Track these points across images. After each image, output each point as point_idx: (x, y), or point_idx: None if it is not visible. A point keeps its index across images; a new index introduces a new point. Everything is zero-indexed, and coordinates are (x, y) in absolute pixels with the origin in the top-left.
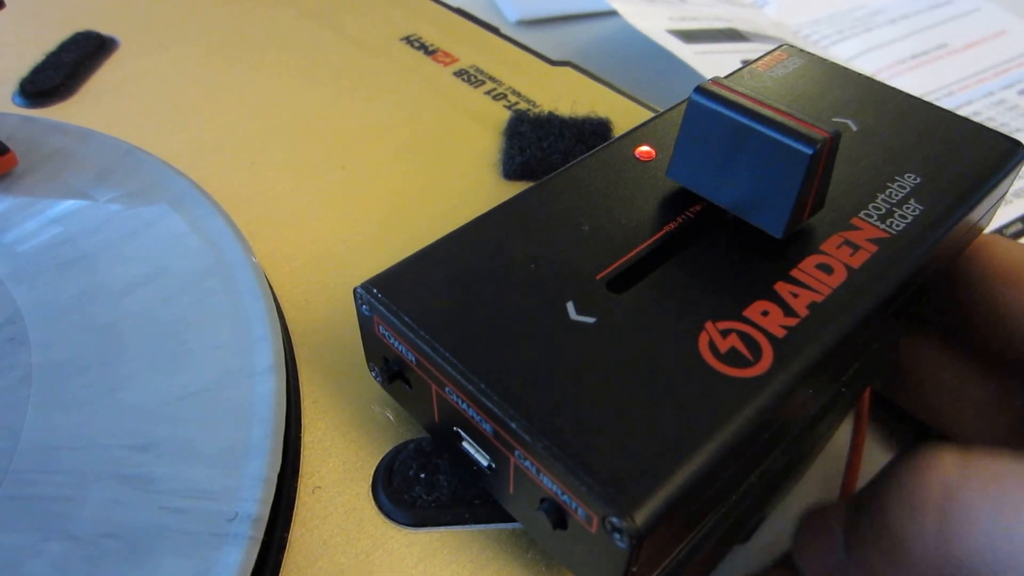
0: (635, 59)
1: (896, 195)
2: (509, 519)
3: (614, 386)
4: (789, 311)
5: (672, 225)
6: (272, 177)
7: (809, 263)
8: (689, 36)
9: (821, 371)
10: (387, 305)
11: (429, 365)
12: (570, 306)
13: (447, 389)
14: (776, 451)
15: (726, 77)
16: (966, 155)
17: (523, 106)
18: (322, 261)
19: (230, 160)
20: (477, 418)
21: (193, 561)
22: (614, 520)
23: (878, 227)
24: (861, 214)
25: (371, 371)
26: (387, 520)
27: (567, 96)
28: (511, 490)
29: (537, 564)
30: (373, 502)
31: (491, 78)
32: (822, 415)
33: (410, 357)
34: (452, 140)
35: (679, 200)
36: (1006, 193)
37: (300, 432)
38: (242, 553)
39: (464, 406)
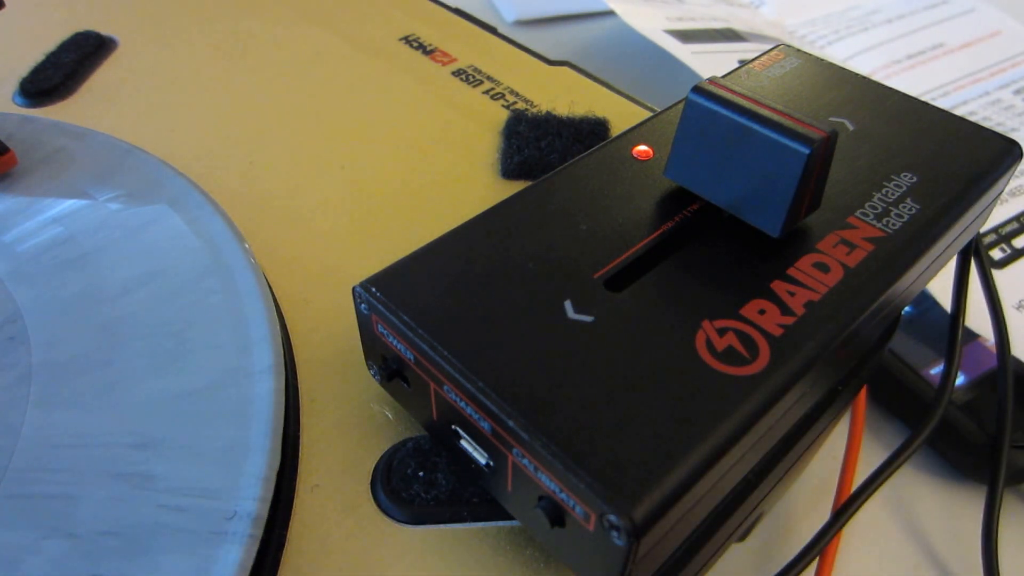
0: (633, 59)
1: (892, 194)
2: (507, 517)
3: (612, 384)
4: (786, 310)
5: (669, 224)
6: (271, 176)
7: (806, 262)
8: (686, 36)
9: (818, 369)
10: (385, 304)
11: (427, 363)
12: (568, 305)
13: (445, 387)
14: (773, 449)
15: (723, 77)
16: (962, 154)
17: (521, 106)
18: (321, 260)
19: (229, 160)
20: (475, 416)
21: (192, 559)
22: (612, 518)
23: (874, 226)
24: (857, 213)
25: (370, 369)
26: (386, 518)
27: (565, 96)
28: (509, 488)
29: (535, 562)
30: (372, 500)
31: (489, 78)
32: (818, 413)
33: (408, 355)
34: (450, 140)
35: (676, 199)
36: (1002, 192)
37: (299, 430)
38: (241, 551)
39: (462, 404)
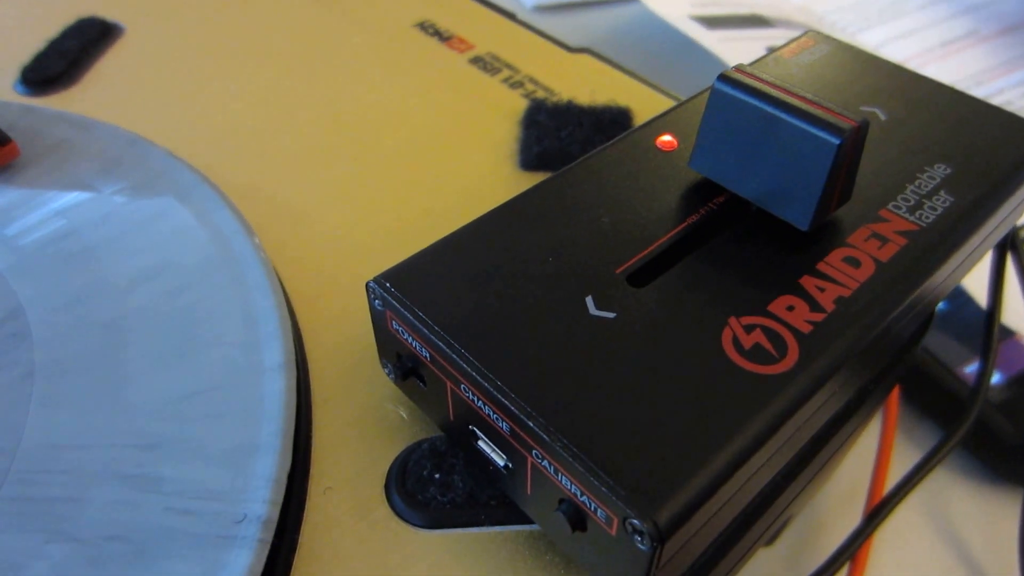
0: (656, 46)
1: (926, 186)
2: (526, 520)
3: (634, 383)
4: (815, 306)
5: (694, 217)
6: (282, 168)
7: (836, 256)
8: (712, 22)
9: (848, 368)
10: (400, 300)
11: (444, 361)
12: (589, 301)
13: (462, 386)
14: (802, 451)
15: (750, 64)
16: (998, 145)
17: (541, 94)
18: (333, 254)
19: (238, 150)
20: (493, 416)
21: (200, 564)
22: (635, 522)
23: (907, 219)
24: (890, 206)
25: (384, 368)
26: (401, 522)
27: (586, 84)
28: (528, 491)
29: (555, 567)
30: (386, 503)
31: (508, 66)
32: (849, 413)
33: (424, 353)
34: (467, 130)
35: (702, 191)
36: None
37: (311, 431)
38: (251, 556)
39: (480, 404)
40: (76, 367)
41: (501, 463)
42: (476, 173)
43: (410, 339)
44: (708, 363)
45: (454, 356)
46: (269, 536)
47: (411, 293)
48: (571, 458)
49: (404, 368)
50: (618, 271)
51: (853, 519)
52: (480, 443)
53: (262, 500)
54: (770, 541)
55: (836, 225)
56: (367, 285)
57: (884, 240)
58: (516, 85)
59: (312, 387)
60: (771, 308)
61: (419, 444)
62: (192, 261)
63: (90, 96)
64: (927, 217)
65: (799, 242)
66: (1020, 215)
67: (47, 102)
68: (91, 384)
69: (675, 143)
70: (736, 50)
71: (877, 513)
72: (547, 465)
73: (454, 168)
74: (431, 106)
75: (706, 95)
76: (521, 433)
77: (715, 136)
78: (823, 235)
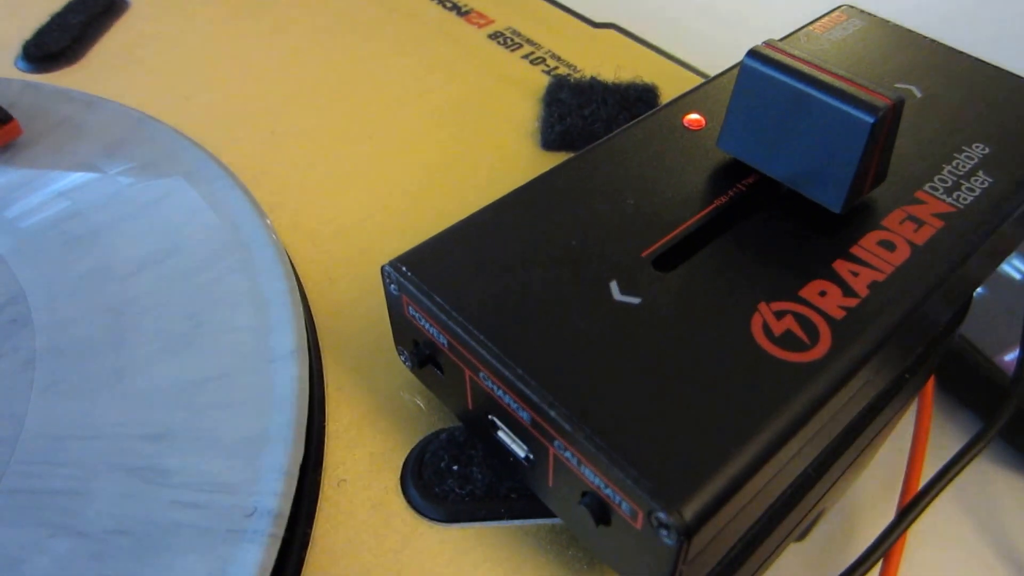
0: (683, 20)
1: (963, 167)
2: (548, 514)
3: (661, 372)
4: (849, 291)
5: (723, 199)
6: (294, 148)
7: (870, 240)
8: None
9: (883, 356)
10: (417, 284)
11: (462, 348)
12: (613, 286)
13: (481, 374)
14: (834, 442)
15: (781, 40)
16: None
17: (563, 71)
18: (347, 237)
19: (249, 130)
20: (514, 406)
21: (209, 559)
22: (661, 515)
23: (944, 201)
24: (926, 187)
25: (400, 355)
26: (417, 515)
27: (610, 60)
28: (550, 483)
29: (578, 562)
30: (402, 496)
31: (529, 41)
32: (883, 403)
33: (442, 340)
34: (486, 108)
35: (730, 172)
36: None
37: (324, 421)
38: (261, 551)
39: (500, 393)
40: (79, 354)
41: (522, 454)
42: (495, 153)
43: (427, 325)
44: (737, 350)
45: (473, 343)
46: (280, 530)
47: (428, 277)
48: (594, 449)
49: (421, 355)
50: (643, 255)
51: (887, 514)
52: (500, 433)
53: (273, 493)
54: (801, 536)
55: (870, 207)
56: (382, 269)
57: (920, 223)
58: (537, 61)
59: (325, 375)
60: (802, 293)
61: (436, 434)
62: (200, 244)
63: (94, 73)
64: (965, 199)
65: (831, 225)
66: None
67: (50, 79)
68: (95, 372)
69: (703, 122)
70: None
71: (912, 508)
72: (570, 456)
73: (472, 148)
74: (449, 83)
75: (735, 72)
76: (543, 423)
77: (744, 115)
78: (856, 217)
